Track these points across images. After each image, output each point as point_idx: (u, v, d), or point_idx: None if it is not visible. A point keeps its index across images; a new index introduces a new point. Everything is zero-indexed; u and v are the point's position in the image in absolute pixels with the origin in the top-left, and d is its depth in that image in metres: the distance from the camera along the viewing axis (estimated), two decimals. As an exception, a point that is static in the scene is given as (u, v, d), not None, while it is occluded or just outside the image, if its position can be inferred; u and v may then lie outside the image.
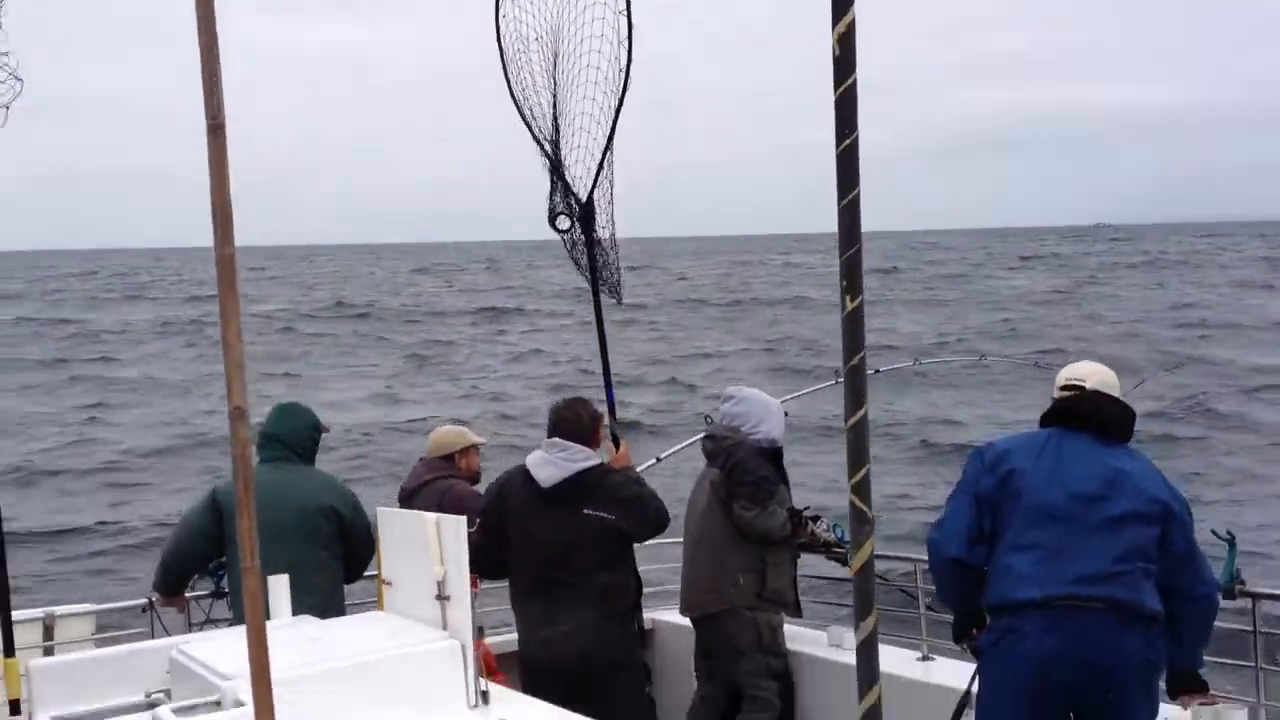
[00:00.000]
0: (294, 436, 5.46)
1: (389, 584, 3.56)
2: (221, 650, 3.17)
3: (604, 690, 4.90)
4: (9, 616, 4.17)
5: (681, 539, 6.29)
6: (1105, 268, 71.14)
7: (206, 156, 1.89)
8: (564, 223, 5.89)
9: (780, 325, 41.62)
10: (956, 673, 4.77)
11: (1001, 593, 3.83)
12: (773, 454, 5.61)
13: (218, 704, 2.88)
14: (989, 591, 3.90)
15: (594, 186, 5.79)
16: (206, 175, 1.86)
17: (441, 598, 3.22)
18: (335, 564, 5.20)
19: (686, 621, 5.98)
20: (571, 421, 5.05)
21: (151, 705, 3.45)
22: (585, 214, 5.81)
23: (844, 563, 5.50)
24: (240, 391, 1.88)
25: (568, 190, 5.81)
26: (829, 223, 2.14)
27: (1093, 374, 4.17)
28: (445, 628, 3.21)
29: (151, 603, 5.67)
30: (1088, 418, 4.00)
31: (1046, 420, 4.10)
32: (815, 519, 5.58)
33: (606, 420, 5.90)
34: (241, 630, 3.49)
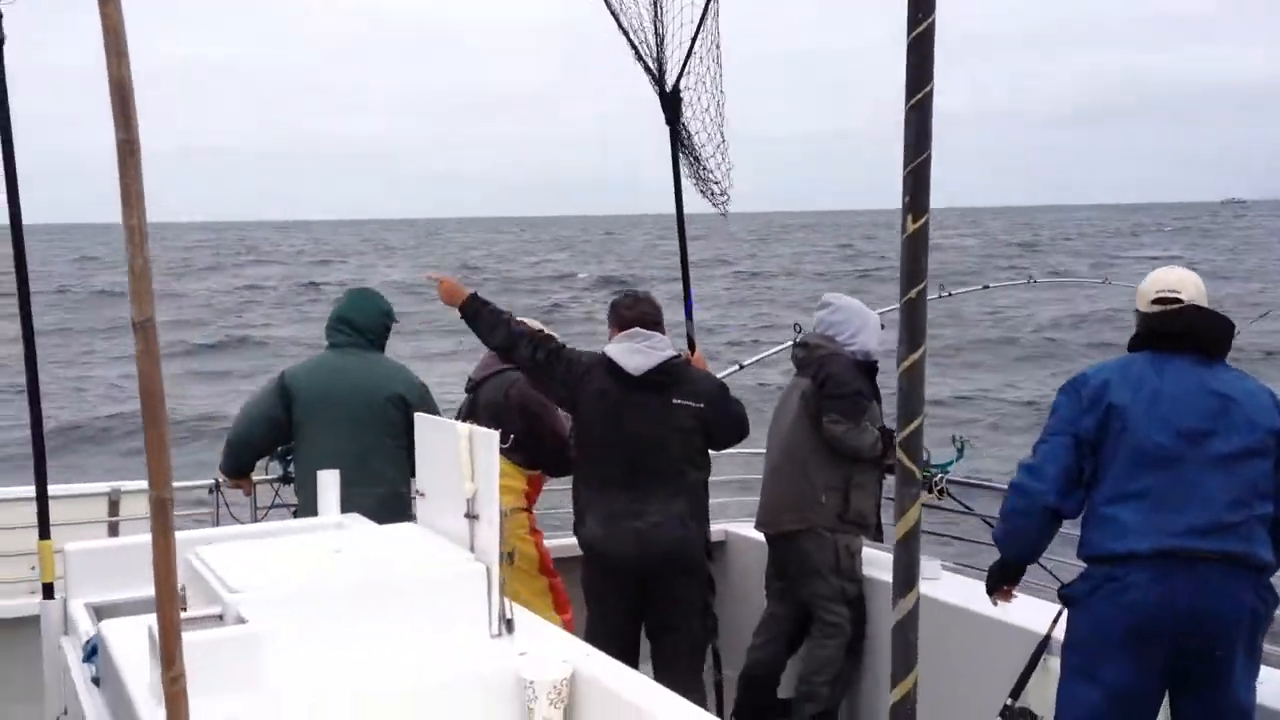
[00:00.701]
0: (366, 321, 5.32)
1: (422, 495, 3.35)
2: (236, 559, 3.00)
3: (677, 591, 4.78)
4: (45, 496, 4.09)
5: (764, 450, 6.04)
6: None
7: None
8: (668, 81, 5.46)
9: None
10: (1037, 613, 4.46)
11: (1104, 544, 3.47)
12: (867, 367, 5.31)
13: (220, 618, 2.71)
14: (1088, 541, 3.54)
15: (680, 75, 5.40)
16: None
17: (470, 516, 2.99)
18: (403, 454, 5.04)
19: (759, 536, 5.74)
20: (651, 313, 4.89)
21: (184, 602, 3.32)
22: (670, 104, 5.43)
23: (929, 489, 5.19)
24: (147, 302, 1.60)
25: (654, 79, 5.44)
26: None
27: (1188, 283, 3.70)
28: (473, 549, 2.99)
29: (218, 484, 5.61)
30: (1185, 336, 3.57)
31: (1138, 342, 3.66)
32: None
33: (685, 325, 5.69)
34: (262, 542, 3.34)
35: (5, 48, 3.96)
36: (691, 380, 4.84)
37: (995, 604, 4.08)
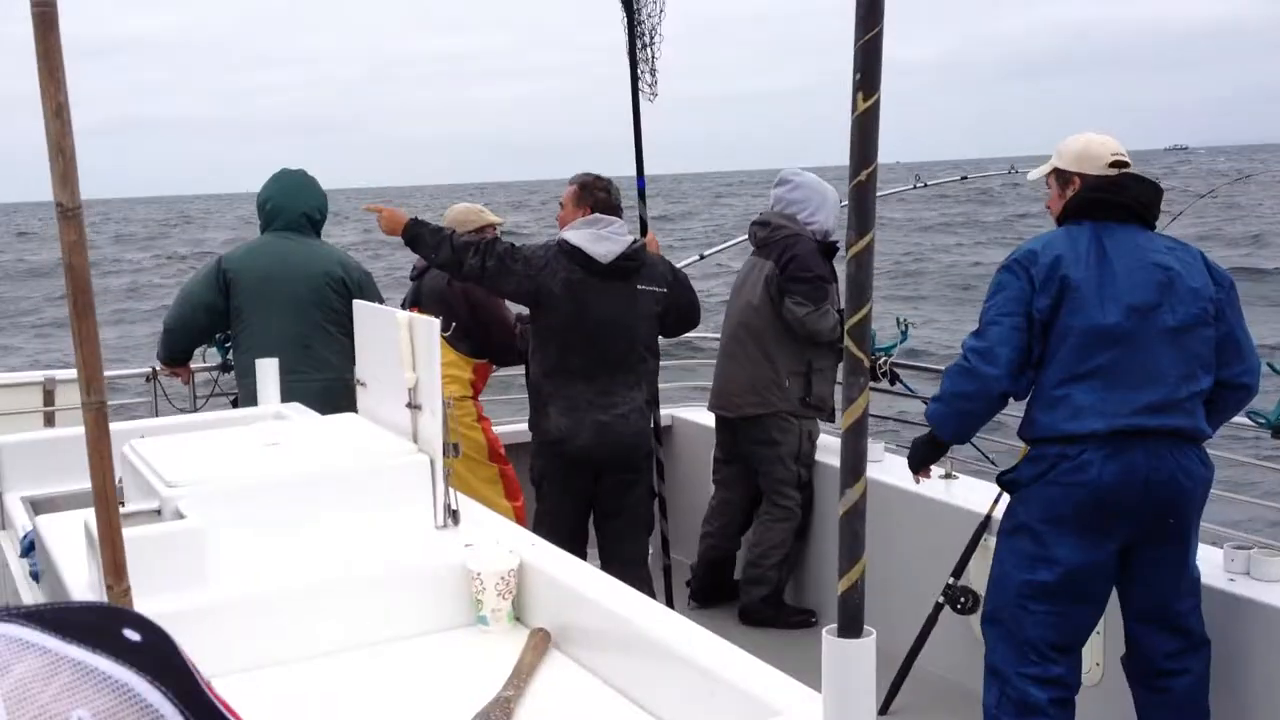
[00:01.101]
0: (304, 206, 5.19)
1: (363, 385, 3.29)
2: (173, 452, 2.93)
3: (630, 478, 4.76)
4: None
5: (705, 334, 6.01)
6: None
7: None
8: None
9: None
10: (977, 494, 4.52)
11: (1057, 425, 3.43)
12: (825, 248, 5.23)
13: (158, 513, 2.65)
14: (1036, 422, 3.50)
15: None
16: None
17: (413, 406, 2.94)
18: (347, 340, 4.97)
19: (706, 421, 5.74)
20: (612, 198, 4.78)
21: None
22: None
23: (879, 377, 5.19)
24: (62, 185, 1.52)
25: None
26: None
27: (1120, 149, 3.66)
28: (415, 440, 2.95)
29: (155, 372, 5.51)
30: (1130, 206, 3.50)
31: (1079, 209, 3.56)
32: None
33: (637, 206, 5.59)
34: (200, 434, 3.27)
35: None
36: (653, 264, 4.77)
37: (918, 481, 4.10)
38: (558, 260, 4.63)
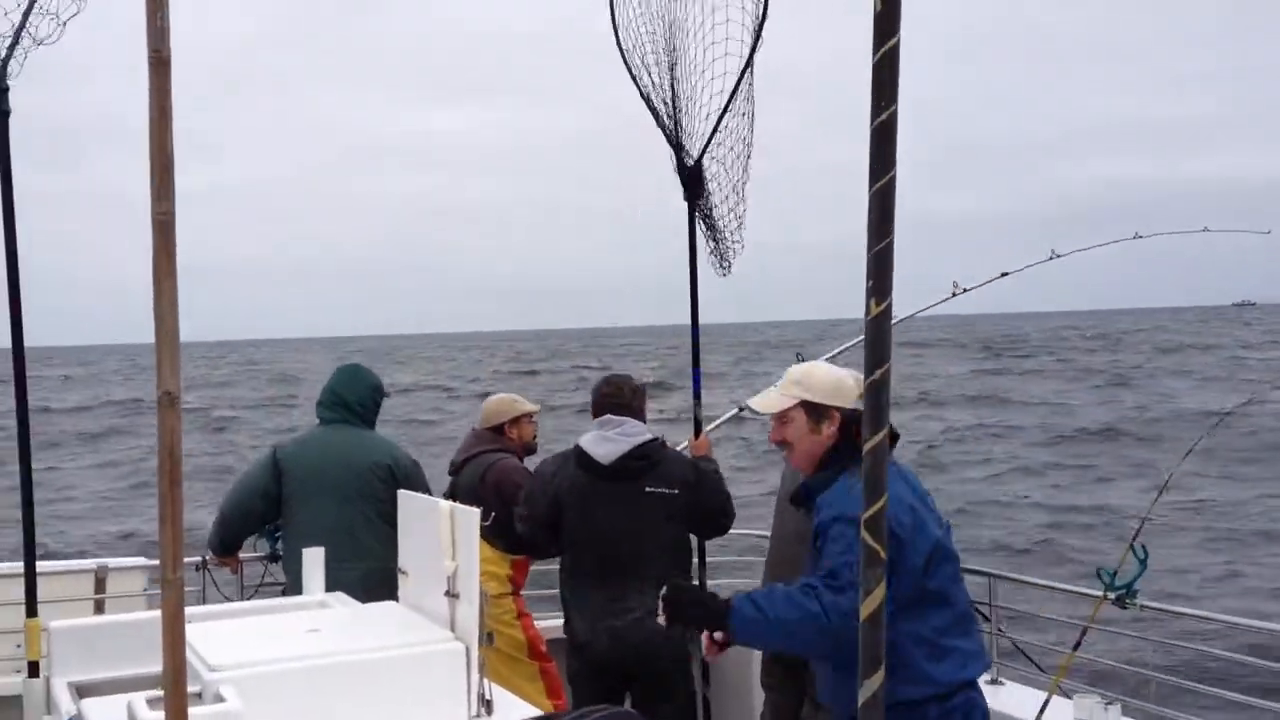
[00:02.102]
0: (355, 397, 5.38)
1: (404, 574, 3.35)
2: (219, 638, 3.00)
3: (660, 683, 4.69)
4: (34, 575, 4.09)
5: (767, 532, 6.01)
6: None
7: (147, 92, 1.67)
8: (688, 156, 5.36)
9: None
10: (1026, 699, 4.43)
11: (955, 675, 3.37)
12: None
13: (199, 696, 2.70)
14: (935, 675, 3.33)
15: (705, 149, 5.32)
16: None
17: (451, 595, 3.00)
18: (391, 528, 5.07)
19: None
20: (614, 396, 4.80)
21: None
22: (692, 177, 5.35)
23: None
24: (172, 374, 1.65)
25: (678, 150, 5.37)
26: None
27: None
28: (453, 628, 2.99)
29: (205, 561, 5.61)
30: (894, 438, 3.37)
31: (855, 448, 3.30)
32: None
33: (693, 408, 5.62)
34: (243, 620, 3.34)
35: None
36: (669, 463, 4.72)
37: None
38: (565, 465, 4.71)
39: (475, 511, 2.94)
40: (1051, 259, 6.29)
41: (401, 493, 3.43)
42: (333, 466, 5.21)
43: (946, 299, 6.70)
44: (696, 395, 5.64)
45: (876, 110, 1.83)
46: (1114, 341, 75.34)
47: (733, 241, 5.56)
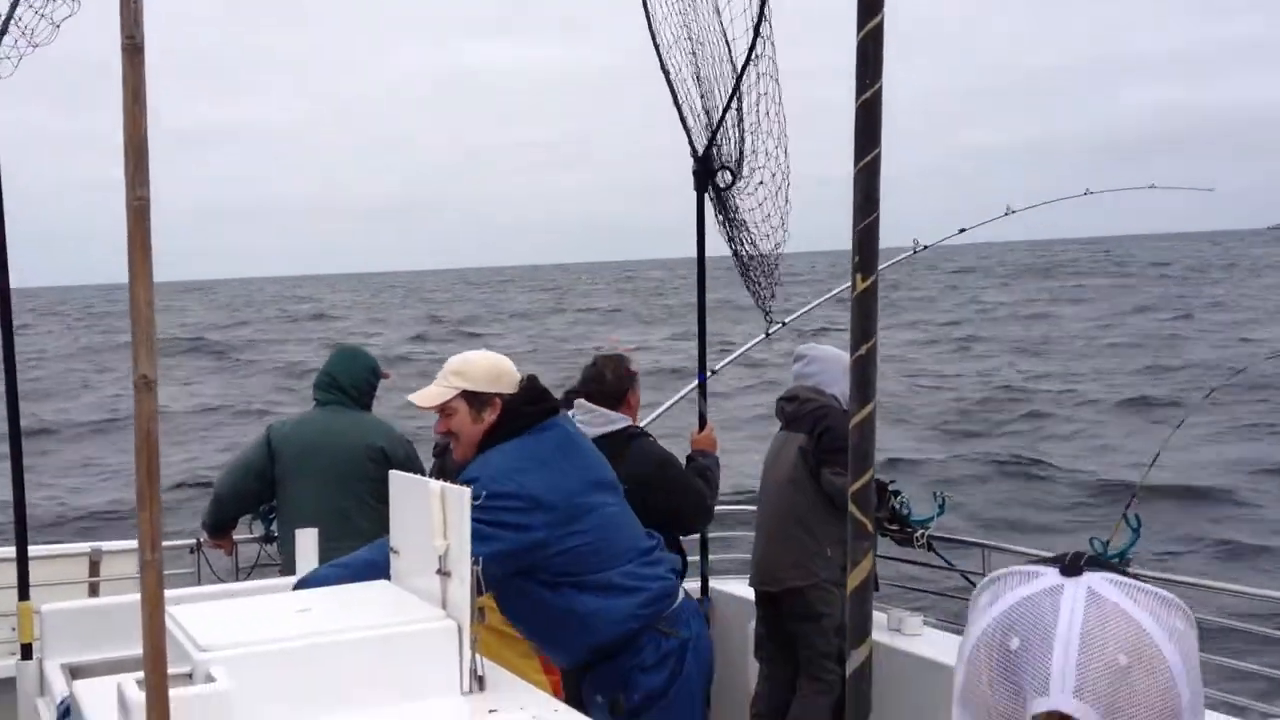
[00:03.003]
0: (350, 380, 5.37)
1: (396, 552, 3.36)
2: (207, 618, 3.00)
3: None
4: (25, 558, 4.09)
5: (735, 506, 6.04)
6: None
7: (121, 79, 1.65)
8: (724, 178, 5.30)
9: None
10: None
11: None
12: (846, 415, 5.28)
13: (189, 676, 2.71)
14: None
15: (713, 135, 5.26)
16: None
17: (442, 573, 3.00)
18: (385, 509, 5.07)
19: (747, 593, 5.72)
20: (596, 381, 4.74)
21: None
22: (702, 166, 5.29)
23: (908, 543, 5.20)
24: (148, 359, 1.65)
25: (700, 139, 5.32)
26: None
27: None
28: (444, 606, 3.00)
29: (200, 543, 5.62)
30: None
31: (542, 416, 3.79)
32: (896, 493, 5.27)
33: (695, 398, 5.60)
34: (234, 601, 3.35)
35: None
36: (632, 454, 4.55)
37: None
38: None
39: (466, 491, 2.94)
40: (1007, 214, 6.45)
41: (393, 473, 3.43)
42: (326, 448, 5.22)
43: (908, 255, 6.85)
44: (702, 388, 5.61)
45: (861, 88, 1.83)
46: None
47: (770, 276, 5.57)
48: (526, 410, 3.67)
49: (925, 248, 6.85)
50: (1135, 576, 3.40)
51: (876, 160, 1.85)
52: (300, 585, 3.52)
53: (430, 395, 3.70)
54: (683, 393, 6.17)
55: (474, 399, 3.66)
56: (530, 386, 3.72)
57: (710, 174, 5.35)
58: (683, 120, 5.35)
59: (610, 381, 4.75)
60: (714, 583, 6.14)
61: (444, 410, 3.69)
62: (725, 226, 5.48)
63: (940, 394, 25.32)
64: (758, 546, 5.42)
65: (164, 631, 1.69)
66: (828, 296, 6.79)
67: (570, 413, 4.65)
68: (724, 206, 5.42)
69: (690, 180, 5.39)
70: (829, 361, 5.36)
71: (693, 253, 5.46)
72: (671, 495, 4.62)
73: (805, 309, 6.95)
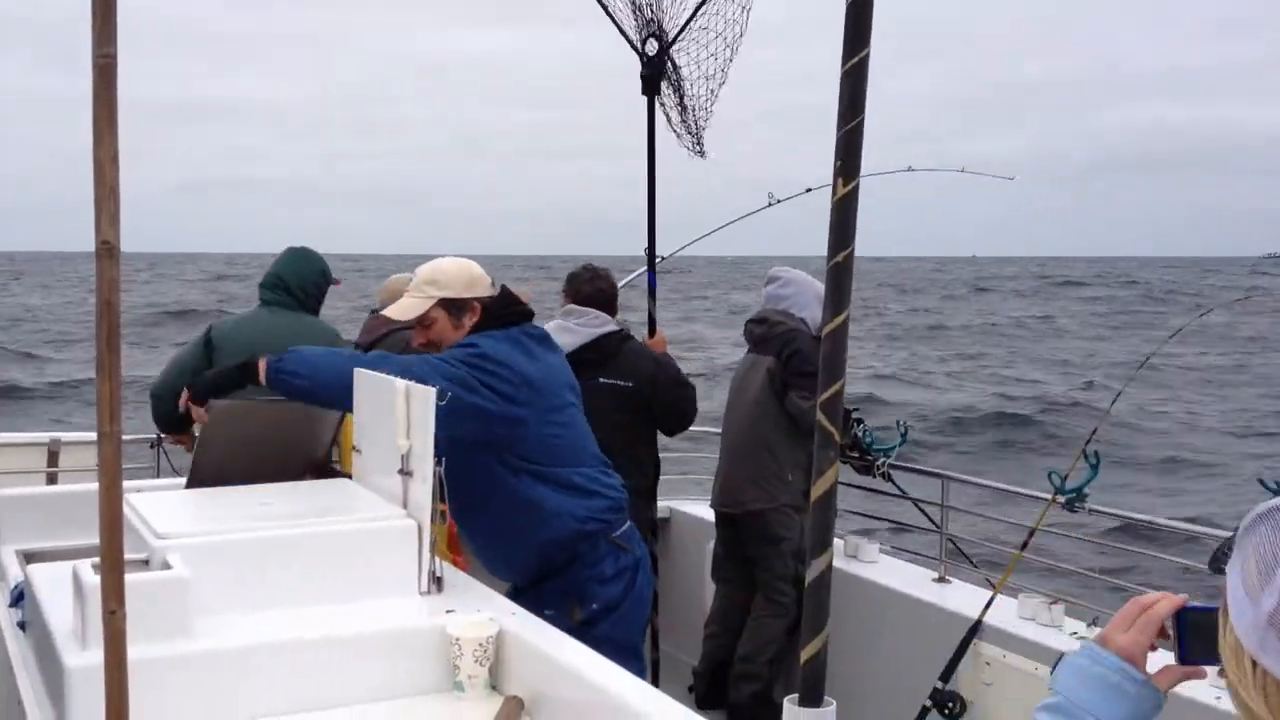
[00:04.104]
0: (299, 281, 5.16)
1: (358, 451, 3.34)
2: (165, 508, 2.98)
3: None
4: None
5: (708, 428, 6.04)
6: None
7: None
8: (652, 46, 5.51)
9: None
10: (971, 598, 4.51)
11: None
12: (815, 340, 5.30)
13: (146, 563, 2.69)
14: None
15: (673, 42, 5.42)
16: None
17: (404, 473, 2.99)
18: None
19: (704, 514, 5.75)
20: (589, 289, 4.83)
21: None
22: (656, 66, 5.44)
23: (868, 471, 5.22)
24: (110, 224, 1.60)
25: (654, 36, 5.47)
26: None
27: None
28: (405, 505, 2.99)
29: (160, 438, 5.56)
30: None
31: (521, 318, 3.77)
32: (859, 421, 5.27)
33: (646, 305, 5.63)
34: (197, 492, 3.32)
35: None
36: (628, 355, 4.78)
37: None
38: None
39: (432, 391, 2.92)
40: (809, 191, 6.22)
41: (357, 370, 3.38)
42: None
43: (760, 209, 6.59)
44: (651, 291, 5.65)
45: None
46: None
47: (705, 121, 5.64)
48: (506, 311, 3.65)
49: (778, 200, 6.46)
50: (1090, 512, 3.42)
51: (864, 62, 1.81)
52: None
53: (407, 307, 3.67)
54: (630, 277, 6.11)
55: (451, 306, 3.63)
56: (505, 291, 3.70)
57: (660, 73, 5.47)
58: (624, 33, 5.50)
59: (607, 291, 4.88)
60: (673, 503, 6.18)
61: (422, 321, 3.65)
62: (676, 95, 5.59)
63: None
64: (721, 468, 5.42)
65: (120, 506, 1.66)
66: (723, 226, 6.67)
67: (558, 320, 4.67)
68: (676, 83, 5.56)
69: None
70: (802, 285, 5.34)
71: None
72: (671, 390, 4.86)
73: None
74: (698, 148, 5.76)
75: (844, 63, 1.83)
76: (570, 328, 4.71)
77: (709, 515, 5.59)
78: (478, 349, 3.41)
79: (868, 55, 1.84)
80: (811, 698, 1.72)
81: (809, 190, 6.11)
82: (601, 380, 4.68)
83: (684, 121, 5.61)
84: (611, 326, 4.82)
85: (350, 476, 3.53)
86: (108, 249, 1.61)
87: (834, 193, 1.83)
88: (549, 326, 4.69)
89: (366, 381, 3.28)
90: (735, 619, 5.35)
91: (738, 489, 5.27)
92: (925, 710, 4.25)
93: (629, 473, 4.79)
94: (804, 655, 1.75)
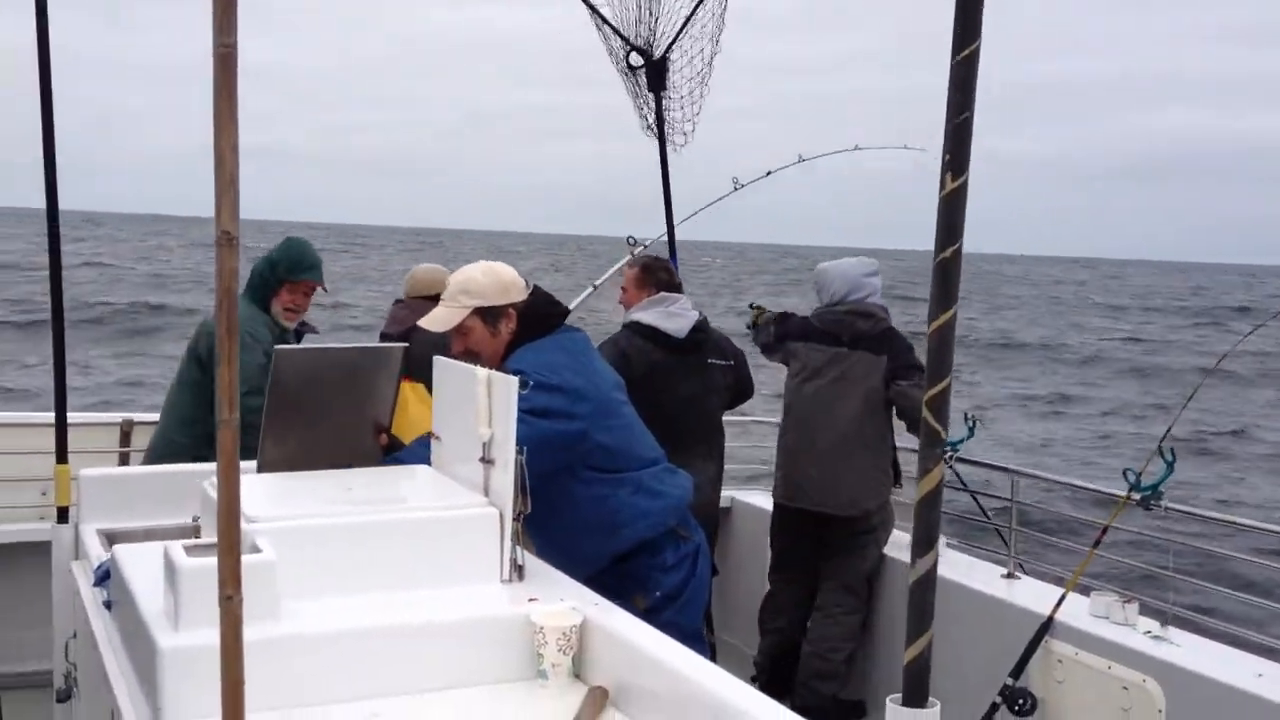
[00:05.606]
0: (258, 265, 5.03)
1: (438, 439, 3.35)
2: (256, 491, 3.01)
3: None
4: (64, 422, 4.10)
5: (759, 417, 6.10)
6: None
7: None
8: (636, 59, 5.89)
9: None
10: (1041, 594, 4.47)
11: None
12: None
13: (234, 547, 2.71)
14: None
15: (670, 47, 5.75)
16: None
17: (485, 461, 3.00)
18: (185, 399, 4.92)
19: (763, 505, 5.73)
20: (667, 275, 5.02)
21: (197, 530, 3.34)
22: (656, 71, 5.78)
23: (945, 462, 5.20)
24: (230, 216, 1.62)
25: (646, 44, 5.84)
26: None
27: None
28: (487, 494, 3.00)
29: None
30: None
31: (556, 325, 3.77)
32: None
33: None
34: (283, 477, 3.34)
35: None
36: (718, 338, 4.97)
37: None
38: (632, 343, 4.72)
39: (514, 380, 2.92)
40: (736, 189, 6.60)
41: (437, 360, 3.40)
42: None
43: (726, 195, 6.68)
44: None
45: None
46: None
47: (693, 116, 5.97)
48: (545, 314, 3.65)
49: (743, 185, 6.71)
50: (1166, 509, 3.37)
51: (975, 54, 1.78)
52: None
53: (441, 318, 3.63)
54: (619, 264, 6.11)
55: (487, 314, 3.60)
56: (538, 292, 3.68)
57: (663, 70, 5.80)
58: (624, 39, 5.86)
59: (675, 274, 5.06)
60: (734, 493, 6.16)
61: (459, 330, 3.62)
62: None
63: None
64: (806, 464, 5.18)
65: (239, 492, 1.68)
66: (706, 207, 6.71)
67: (660, 307, 4.76)
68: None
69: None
70: (862, 277, 5.25)
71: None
72: (746, 365, 5.10)
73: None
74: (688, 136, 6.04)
75: (955, 53, 1.81)
76: (676, 312, 4.83)
77: (768, 506, 5.54)
78: (525, 377, 3.19)
79: (979, 47, 1.81)
80: (915, 698, 1.71)
81: (769, 174, 6.52)
82: (710, 361, 4.86)
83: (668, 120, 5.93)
84: (697, 313, 4.98)
85: (401, 445, 3.57)
86: (228, 239, 1.62)
87: (942, 187, 1.81)
88: (650, 315, 4.76)
89: (446, 370, 3.30)
90: (798, 613, 5.33)
91: (841, 487, 5.09)
92: (995, 707, 4.21)
93: (717, 453, 4.94)
94: (907, 655, 1.75)
